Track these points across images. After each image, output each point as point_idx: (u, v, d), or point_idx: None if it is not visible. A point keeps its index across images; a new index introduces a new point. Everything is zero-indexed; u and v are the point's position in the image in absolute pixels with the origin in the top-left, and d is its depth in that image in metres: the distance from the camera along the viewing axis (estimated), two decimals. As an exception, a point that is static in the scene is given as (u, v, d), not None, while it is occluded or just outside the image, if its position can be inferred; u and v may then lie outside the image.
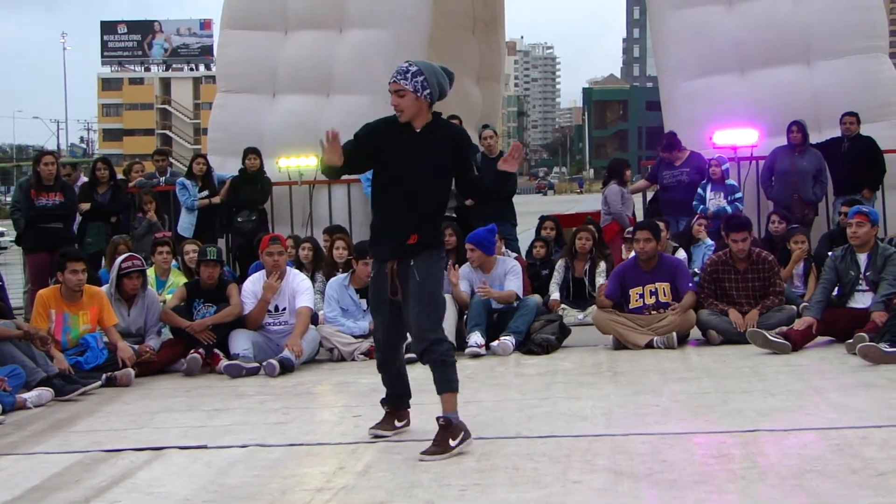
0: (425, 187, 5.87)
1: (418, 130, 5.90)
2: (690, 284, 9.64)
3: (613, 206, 13.22)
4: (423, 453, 5.63)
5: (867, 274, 8.91)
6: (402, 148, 5.87)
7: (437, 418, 5.75)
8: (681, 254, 11.19)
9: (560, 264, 11.31)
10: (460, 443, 5.68)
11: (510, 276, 9.93)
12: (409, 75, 5.77)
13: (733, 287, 9.55)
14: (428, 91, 5.79)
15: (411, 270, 5.82)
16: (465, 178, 6.05)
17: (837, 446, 5.50)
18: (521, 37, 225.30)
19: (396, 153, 5.86)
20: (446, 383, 5.81)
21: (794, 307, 9.77)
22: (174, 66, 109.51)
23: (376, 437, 6.19)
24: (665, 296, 9.53)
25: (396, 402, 6.30)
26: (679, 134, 13.31)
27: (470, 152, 6.23)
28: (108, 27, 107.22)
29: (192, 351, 9.16)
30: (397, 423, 6.28)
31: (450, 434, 5.68)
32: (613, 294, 9.69)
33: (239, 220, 13.24)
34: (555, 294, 11.08)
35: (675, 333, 9.23)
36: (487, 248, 9.94)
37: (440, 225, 6.26)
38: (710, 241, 11.95)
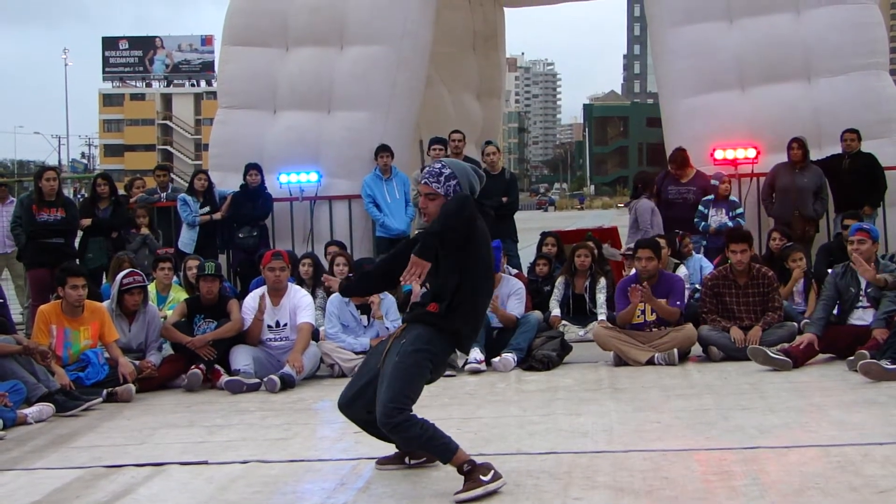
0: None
1: None
2: (679, 302, 9.62)
3: (643, 222, 12.57)
4: (455, 493, 5.19)
5: (868, 290, 8.91)
6: None
7: (459, 469, 5.29)
8: (681, 270, 11.19)
9: (560, 281, 11.31)
10: (493, 479, 5.22)
11: (513, 299, 9.94)
12: (442, 179, 5.48)
13: (734, 302, 9.57)
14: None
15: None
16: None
17: (838, 463, 5.50)
18: (522, 53, 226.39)
19: None
20: (442, 453, 5.36)
21: (794, 324, 9.79)
22: (175, 81, 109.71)
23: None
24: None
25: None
26: (679, 151, 13.34)
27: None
28: (109, 43, 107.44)
29: (192, 367, 9.16)
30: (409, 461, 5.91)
31: (478, 472, 5.24)
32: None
33: (240, 235, 13.26)
34: (555, 311, 11.08)
35: (675, 350, 9.23)
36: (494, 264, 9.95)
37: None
38: (700, 257, 11.96)
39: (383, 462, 5.92)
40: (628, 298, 9.59)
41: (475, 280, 5.54)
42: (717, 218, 12.57)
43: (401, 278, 5.27)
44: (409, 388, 5.37)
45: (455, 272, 5.45)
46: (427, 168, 5.63)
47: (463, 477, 5.26)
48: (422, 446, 5.44)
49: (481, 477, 5.22)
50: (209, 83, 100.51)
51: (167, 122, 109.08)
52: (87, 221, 12.61)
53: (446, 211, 5.30)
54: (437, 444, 5.34)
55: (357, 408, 5.74)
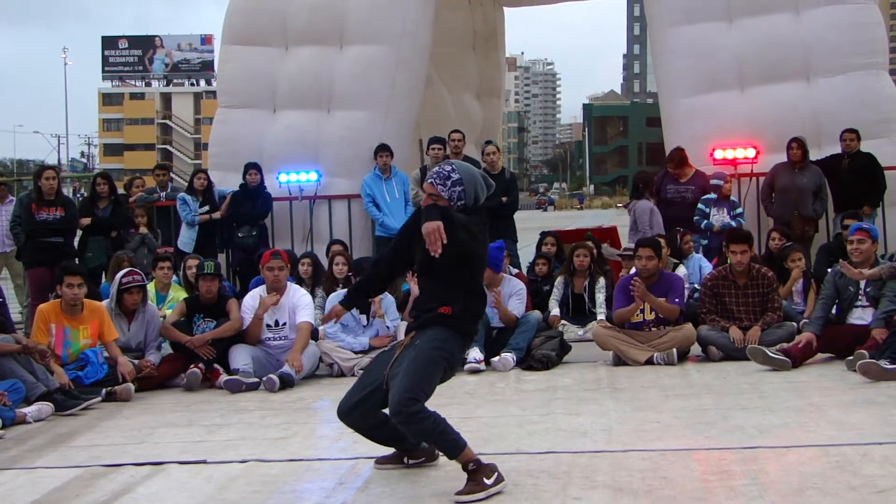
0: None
1: None
2: (677, 300, 9.62)
3: (642, 224, 12.43)
4: (457, 493, 5.20)
5: (867, 290, 8.91)
6: None
7: (464, 467, 5.31)
8: (681, 270, 11.19)
9: (559, 281, 11.31)
10: (496, 482, 5.24)
11: (514, 299, 9.93)
12: (448, 182, 5.48)
13: (733, 302, 9.56)
14: (462, 202, 5.50)
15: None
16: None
17: (837, 463, 5.50)
18: (522, 53, 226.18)
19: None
20: (450, 449, 5.39)
21: (794, 324, 9.78)
22: (175, 81, 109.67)
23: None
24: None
25: (399, 447, 5.92)
26: (678, 150, 13.34)
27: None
28: (109, 42, 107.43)
29: (191, 366, 9.15)
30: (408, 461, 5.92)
31: (482, 474, 5.25)
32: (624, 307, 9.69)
33: (239, 235, 13.26)
34: (554, 310, 11.07)
35: (675, 349, 9.22)
36: (496, 265, 9.92)
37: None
38: (699, 257, 11.97)
39: (382, 462, 5.92)
40: (628, 296, 9.59)
41: (479, 283, 5.68)
42: (720, 217, 12.55)
43: (429, 249, 5.22)
44: (425, 382, 5.40)
45: (461, 277, 5.52)
46: (437, 168, 5.61)
47: (466, 475, 5.27)
48: (433, 440, 5.45)
49: (485, 480, 5.22)
50: (209, 82, 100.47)
51: (167, 122, 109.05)
52: (86, 220, 12.62)
53: (462, 223, 5.33)
54: (447, 440, 5.36)
55: (356, 415, 5.74)
